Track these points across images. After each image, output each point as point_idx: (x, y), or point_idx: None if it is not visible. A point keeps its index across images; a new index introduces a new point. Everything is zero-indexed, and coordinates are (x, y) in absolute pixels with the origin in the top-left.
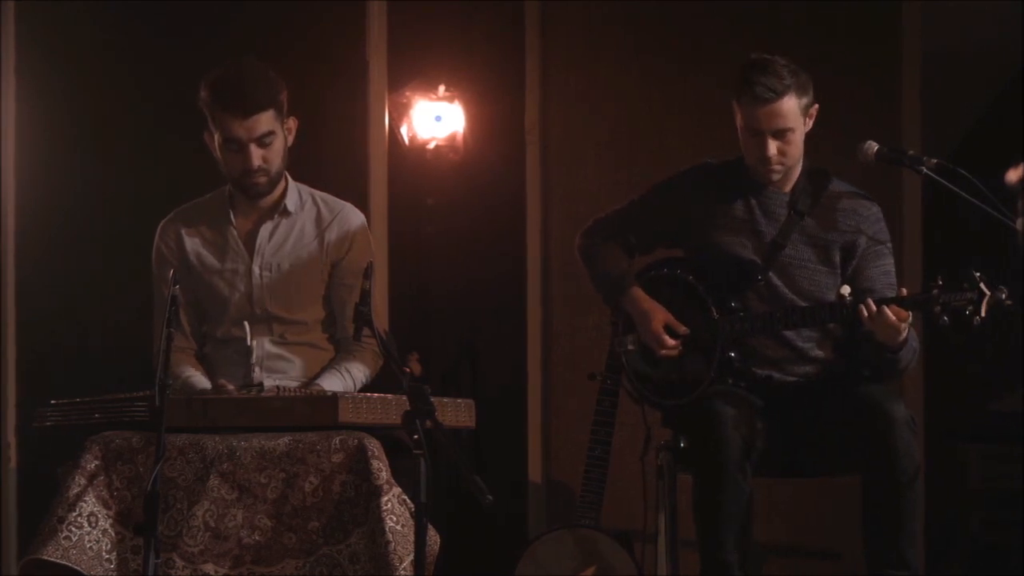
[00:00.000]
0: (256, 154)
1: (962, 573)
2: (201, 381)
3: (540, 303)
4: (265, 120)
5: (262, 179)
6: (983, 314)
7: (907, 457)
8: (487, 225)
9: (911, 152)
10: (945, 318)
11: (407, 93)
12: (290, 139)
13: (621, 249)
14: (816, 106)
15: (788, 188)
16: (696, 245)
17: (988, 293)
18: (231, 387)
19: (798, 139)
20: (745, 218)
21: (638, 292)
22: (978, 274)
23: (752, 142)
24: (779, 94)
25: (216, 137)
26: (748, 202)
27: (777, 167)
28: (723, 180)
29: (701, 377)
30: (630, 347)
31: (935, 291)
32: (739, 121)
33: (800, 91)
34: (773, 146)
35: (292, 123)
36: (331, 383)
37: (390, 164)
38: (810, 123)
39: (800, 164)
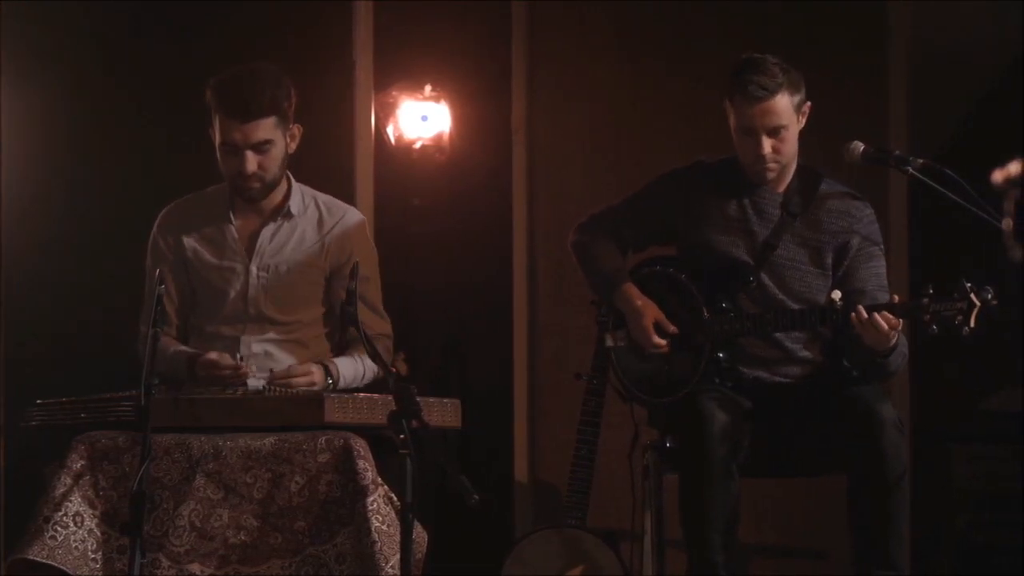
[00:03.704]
0: (251, 160)
1: (949, 573)
2: (186, 349)
3: (526, 303)
4: (264, 127)
5: (255, 184)
6: (972, 325)
7: (895, 458)
8: (473, 225)
9: (897, 152)
10: (934, 327)
11: (393, 93)
12: (292, 146)
13: (615, 245)
14: (809, 104)
15: (781, 188)
16: (689, 243)
17: (978, 304)
18: (213, 354)
19: (792, 137)
20: (738, 218)
21: (631, 288)
22: (968, 284)
23: (746, 141)
24: (772, 92)
25: (216, 137)
26: (741, 202)
27: (772, 165)
28: (717, 179)
29: (688, 376)
30: (619, 343)
31: (925, 300)
32: (732, 121)
33: (792, 88)
34: (767, 144)
35: (296, 130)
36: (344, 364)
37: (376, 164)
38: (803, 121)
39: (794, 163)
